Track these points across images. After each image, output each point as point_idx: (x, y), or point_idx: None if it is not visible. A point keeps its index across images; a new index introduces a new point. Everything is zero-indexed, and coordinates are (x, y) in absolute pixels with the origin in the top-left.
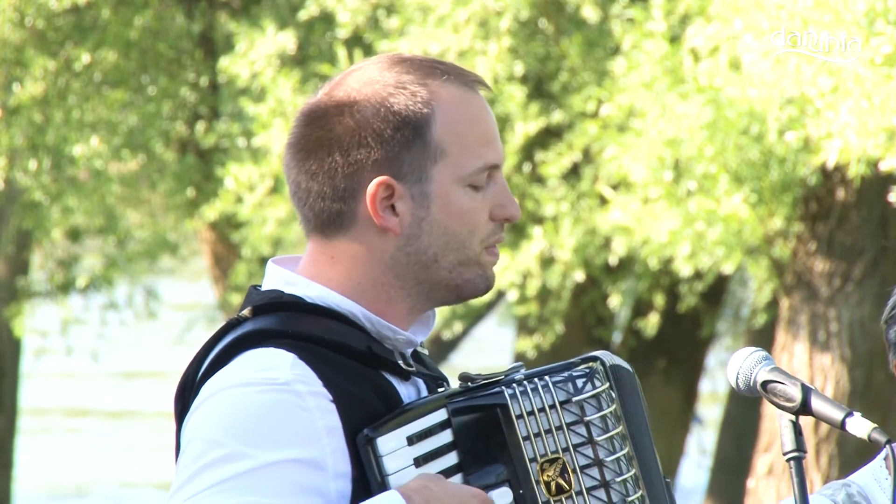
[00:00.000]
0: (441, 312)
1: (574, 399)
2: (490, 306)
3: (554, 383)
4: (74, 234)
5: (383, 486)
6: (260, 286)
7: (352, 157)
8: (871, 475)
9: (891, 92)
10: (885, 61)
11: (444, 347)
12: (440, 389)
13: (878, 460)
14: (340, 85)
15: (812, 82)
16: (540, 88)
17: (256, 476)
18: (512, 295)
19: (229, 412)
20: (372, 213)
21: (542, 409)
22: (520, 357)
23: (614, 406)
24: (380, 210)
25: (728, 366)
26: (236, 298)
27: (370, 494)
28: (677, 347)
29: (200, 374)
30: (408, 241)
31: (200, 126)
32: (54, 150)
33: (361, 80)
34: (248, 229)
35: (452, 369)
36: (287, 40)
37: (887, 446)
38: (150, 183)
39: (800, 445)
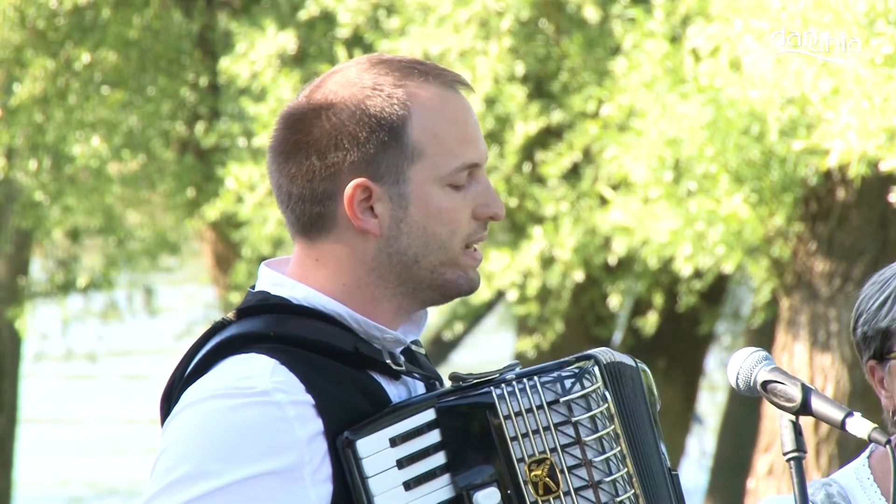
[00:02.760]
0: (441, 313)
1: (562, 399)
2: (490, 306)
3: (542, 384)
4: (74, 234)
5: (363, 489)
6: (255, 287)
7: (329, 160)
8: (854, 474)
9: (891, 92)
10: (886, 61)
11: (444, 347)
12: (433, 389)
13: (862, 459)
14: (320, 87)
15: (812, 83)
16: (540, 88)
17: (224, 495)
18: (512, 295)
19: (202, 425)
20: (350, 215)
21: (529, 410)
22: (520, 357)
23: (606, 405)
24: (358, 212)
25: (728, 366)
26: (236, 298)
27: (351, 497)
28: (677, 347)
29: (184, 378)
30: (388, 242)
31: (200, 126)
32: (54, 150)
33: (340, 82)
34: (248, 229)
35: (452, 369)
36: (287, 40)
37: (887, 446)
38: (149, 183)
39: (800, 445)
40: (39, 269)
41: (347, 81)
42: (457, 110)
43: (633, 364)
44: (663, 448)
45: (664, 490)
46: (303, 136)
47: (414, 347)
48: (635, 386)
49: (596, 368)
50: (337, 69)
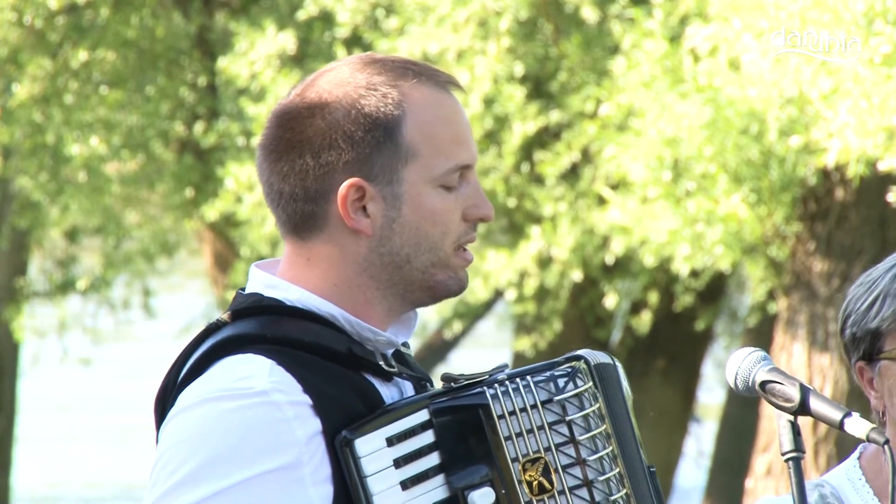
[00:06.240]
0: (440, 312)
1: (555, 398)
2: (489, 306)
3: (535, 383)
4: (73, 234)
5: (362, 488)
6: (245, 289)
7: (323, 159)
8: (845, 475)
9: (890, 92)
10: (884, 61)
11: (442, 347)
12: (424, 390)
13: (852, 460)
14: (312, 86)
15: (812, 82)
16: (539, 88)
17: (226, 496)
18: (510, 294)
19: (202, 427)
20: (343, 214)
21: (523, 409)
22: (518, 356)
23: (598, 405)
24: (351, 212)
25: (727, 366)
26: None
27: (350, 497)
28: (676, 348)
29: (179, 380)
30: (380, 243)
31: (199, 126)
32: (52, 150)
33: (333, 81)
34: (247, 229)
35: (451, 369)
36: (287, 40)
37: (885, 446)
38: (148, 183)
39: (798, 445)
40: (37, 269)
41: (340, 81)
42: (450, 111)
43: (611, 361)
44: (640, 445)
45: (645, 489)
46: (296, 134)
47: (402, 349)
48: (618, 384)
49: (586, 368)
50: (328, 68)
